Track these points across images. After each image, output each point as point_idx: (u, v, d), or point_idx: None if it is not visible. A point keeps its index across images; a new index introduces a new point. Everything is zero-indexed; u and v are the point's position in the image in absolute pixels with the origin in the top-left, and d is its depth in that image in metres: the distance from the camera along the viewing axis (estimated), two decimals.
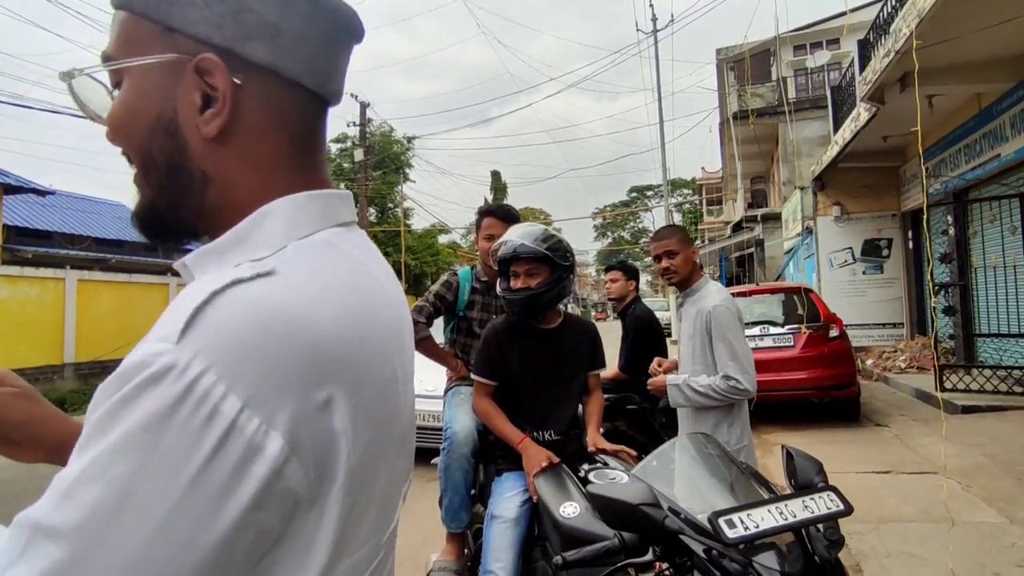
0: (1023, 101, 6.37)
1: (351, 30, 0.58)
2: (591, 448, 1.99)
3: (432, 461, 2.44)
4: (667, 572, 1.17)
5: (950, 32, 5.42)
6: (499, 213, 2.59)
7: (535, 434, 2.01)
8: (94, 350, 10.69)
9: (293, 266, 0.48)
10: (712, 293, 2.37)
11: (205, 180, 0.53)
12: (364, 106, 20.78)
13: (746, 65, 16.47)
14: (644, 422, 3.48)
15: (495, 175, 41.98)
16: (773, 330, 6.40)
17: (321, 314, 0.46)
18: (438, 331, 2.74)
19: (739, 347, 2.24)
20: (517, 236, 2.01)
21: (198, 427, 0.39)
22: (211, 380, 0.39)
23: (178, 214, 0.54)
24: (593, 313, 51.15)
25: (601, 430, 2.12)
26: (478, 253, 2.70)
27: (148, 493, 0.38)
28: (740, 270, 20.37)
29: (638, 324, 3.59)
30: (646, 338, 3.54)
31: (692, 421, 2.41)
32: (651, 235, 3.77)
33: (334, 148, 28.35)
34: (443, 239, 32.45)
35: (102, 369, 10.54)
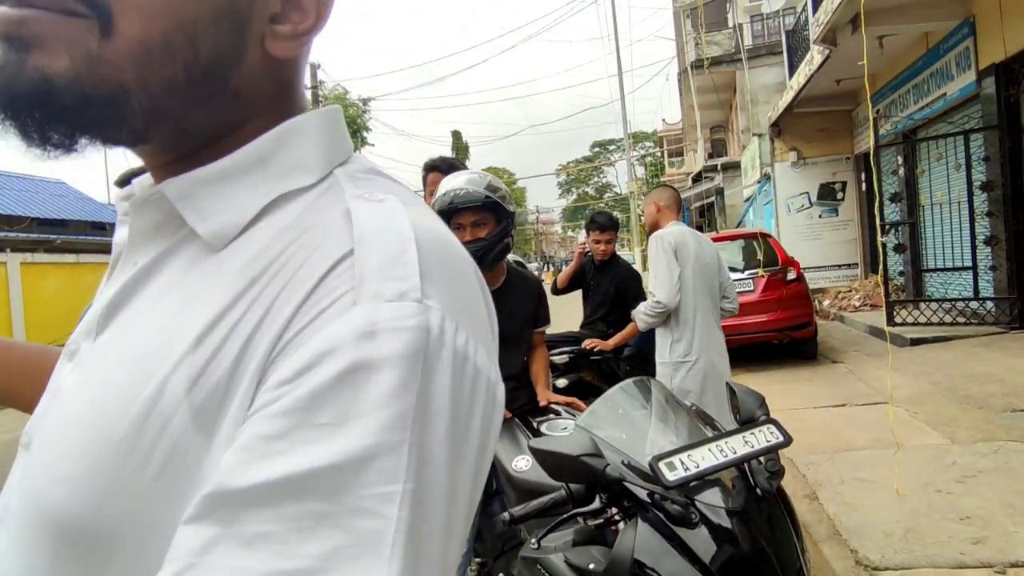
0: (967, 39, 6.46)
1: None
2: (541, 403, 1.98)
3: None
4: (617, 516, 1.18)
5: None
6: (443, 167, 2.45)
7: None
8: (45, 335, 10.27)
9: (394, 196, 0.40)
10: (662, 230, 2.84)
11: (233, 101, 0.40)
12: (315, 68, 19.95)
13: (700, 13, 16.27)
14: (609, 371, 3.53)
15: (456, 135, 41.17)
16: (733, 276, 6.50)
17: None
18: None
19: (659, 268, 2.71)
20: (460, 184, 1.87)
21: (476, 396, 0.35)
22: (464, 337, 0.35)
23: (153, 122, 0.38)
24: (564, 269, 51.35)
25: (557, 384, 2.13)
26: None
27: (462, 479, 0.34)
28: (702, 220, 20.65)
29: (629, 274, 3.65)
30: (635, 285, 3.61)
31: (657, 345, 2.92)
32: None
33: None
34: None
35: None
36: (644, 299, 3.35)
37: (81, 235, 14.90)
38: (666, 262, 2.73)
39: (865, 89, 4.21)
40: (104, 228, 14.86)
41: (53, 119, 0.36)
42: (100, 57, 0.35)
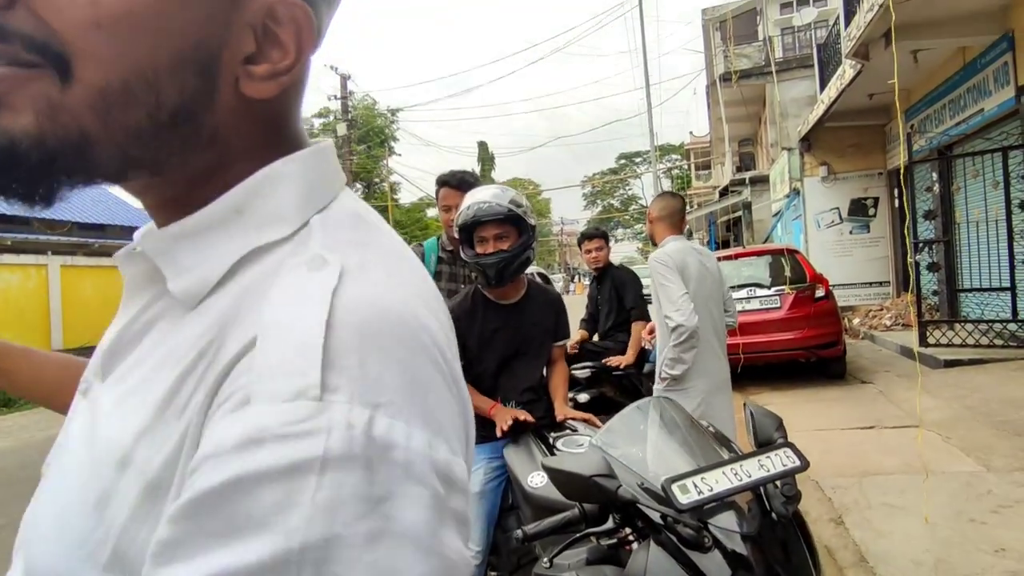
0: (1006, 54, 6.29)
1: None
2: (559, 418, 1.97)
3: None
4: (630, 537, 1.18)
5: None
6: (452, 182, 2.45)
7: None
8: (82, 336, 10.63)
9: (354, 255, 0.37)
10: (658, 250, 2.69)
11: (210, 143, 0.39)
12: (345, 79, 20.34)
13: (729, 25, 16.18)
14: (631, 387, 3.51)
15: (482, 146, 41.48)
16: (760, 292, 6.42)
17: (425, 316, 0.37)
18: None
19: (667, 290, 2.55)
20: (483, 197, 1.91)
21: (408, 484, 0.30)
22: (385, 425, 0.30)
23: (124, 168, 0.37)
24: (586, 282, 51.14)
25: (579, 398, 2.12)
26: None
27: None
28: (729, 234, 20.38)
29: (626, 275, 3.73)
30: (632, 282, 3.68)
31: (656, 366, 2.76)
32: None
33: (316, 123, 27.86)
34: (431, 213, 32.22)
35: (90, 355, 10.50)
36: (644, 298, 3.43)
37: (118, 239, 15.39)
38: (671, 283, 2.57)
39: (896, 104, 4.13)
40: None
41: (26, 179, 0.36)
42: (61, 106, 0.34)
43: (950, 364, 6.04)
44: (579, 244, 4.00)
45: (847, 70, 7.87)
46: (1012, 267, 6.36)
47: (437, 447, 0.32)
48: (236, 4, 0.37)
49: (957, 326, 6.67)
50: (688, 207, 24.07)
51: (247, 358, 0.32)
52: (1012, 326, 6.29)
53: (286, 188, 0.39)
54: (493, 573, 1.96)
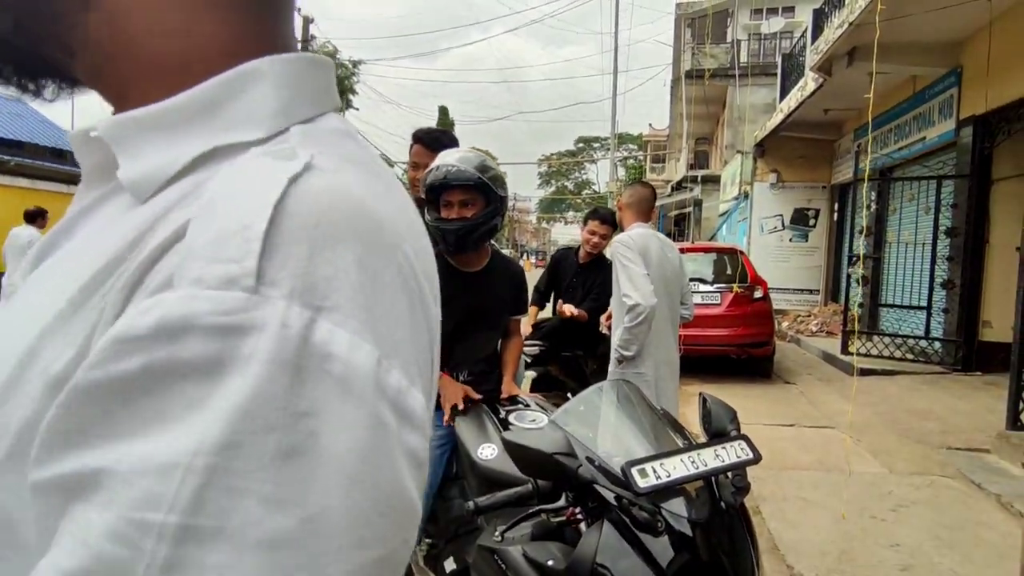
0: (953, 88, 6.66)
1: None
2: (504, 395, 1.96)
3: None
4: (579, 516, 1.18)
5: (904, 8, 5.52)
6: (425, 140, 2.36)
7: (451, 374, 1.95)
8: None
9: (332, 158, 0.32)
10: (623, 234, 2.76)
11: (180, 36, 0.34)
12: (308, 21, 19.30)
13: (706, 22, 16.37)
14: (577, 368, 3.55)
15: (443, 110, 40.62)
16: (702, 288, 6.63)
17: (404, 230, 0.33)
18: None
19: (629, 271, 2.60)
20: (453, 160, 1.84)
21: (346, 406, 0.26)
22: (326, 330, 0.26)
23: (29, 35, 0.34)
24: (533, 260, 51.39)
25: (525, 374, 2.12)
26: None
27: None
28: (677, 228, 20.93)
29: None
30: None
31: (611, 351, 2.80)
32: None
33: None
34: None
35: None
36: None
37: (38, 160, 14.15)
38: (633, 263, 2.62)
39: (868, 121, 4.29)
40: (64, 156, 14.08)
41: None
42: None
43: (864, 372, 6.46)
44: (585, 220, 3.68)
45: (809, 83, 8.13)
46: (931, 288, 6.84)
47: (389, 369, 0.28)
48: None
49: (876, 338, 7.13)
50: None
51: (173, 249, 0.28)
52: (923, 343, 6.79)
53: (265, 88, 0.34)
54: (428, 540, 1.95)
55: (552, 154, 55.45)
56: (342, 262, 0.28)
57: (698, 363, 6.65)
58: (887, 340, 7.02)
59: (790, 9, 17.72)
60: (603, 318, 3.29)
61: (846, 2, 6.41)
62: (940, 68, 6.80)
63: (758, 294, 6.57)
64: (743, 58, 16.44)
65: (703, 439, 1.30)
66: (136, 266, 0.29)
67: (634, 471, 1.03)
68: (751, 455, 1.13)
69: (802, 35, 10.55)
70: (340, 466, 0.26)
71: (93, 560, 0.24)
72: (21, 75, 0.37)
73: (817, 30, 7.92)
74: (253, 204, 0.28)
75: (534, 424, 1.67)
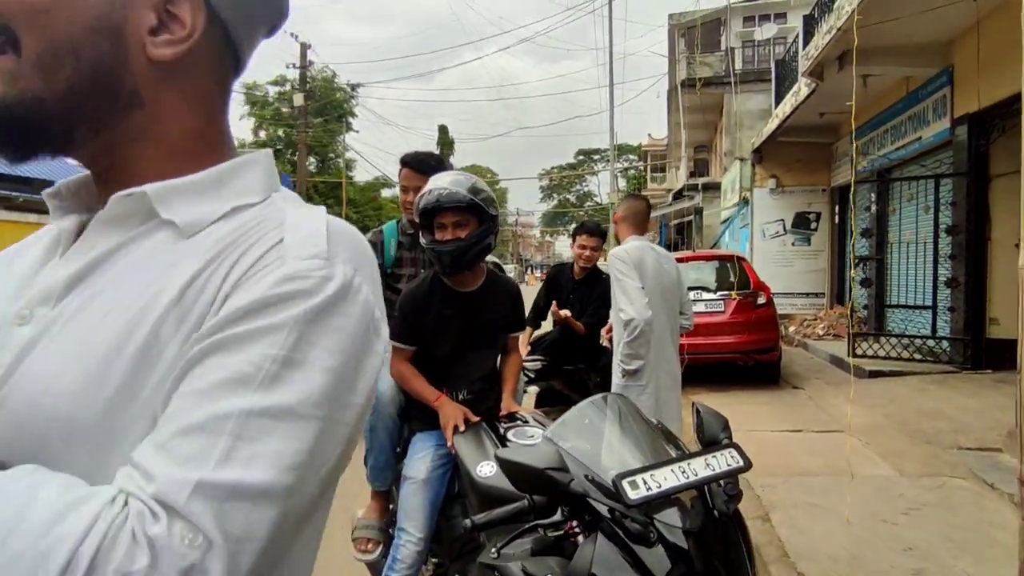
0: (945, 87, 6.70)
1: (281, 11, 0.60)
2: (503, 412, 1.98)
3: None
4: (577, 529, 1.20)
5: (891, 12, 5.58)
6: (412, 163, 2.41)
7: (450, 393, 1.97)
8: None
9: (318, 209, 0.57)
10: (618, 247, 2.80)
11: (134, 101, 0.52)
12: (305, 47, 19.61)
13: (697, 32, 16.53)
14: (580, 382, 3.56)
15: (443, 130, 40.96)
16: (705, 296, 6.63)
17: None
18: None
19: (624, 286, 2.65)
20: (445, 183, 1.88)
21: (364, 315, 0.50)
22: (360, 279, 0.51)
23: (72, 124, 0.50)
24: (538, 274, 51.41)
25: (528, 390, 2.14)
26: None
27: (353, 389, 0.49)
28: (679, 237, 20.94)
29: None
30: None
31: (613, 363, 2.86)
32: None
33: (272, 91, 26.80)
34: (387, 193, 31.60)
35: None
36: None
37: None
38: (628, 277, 2.66)
39: (849, 123, 4.33)
40: None
41: (4, 137, 0.50)
42: (18, 73, 0.48)
43: (874, 375, 6.42)
44: (573, 236, 3.71)
45: (802, 88, 8.19)
46: (935, 287, 6.82)
47: (375, 302, 0.52)
48: None
49: (883, 339, 7.10)
50: None
51: (276, 248, 0.49)
52: (931, 342, 6.75)
53: (257, 170, 0.57)
54: (434, 559, 1.96)
55: (553, 168, 55.71)
56: (357, 251, 0.53)
57: (705, 371, 6.63)
58: (894, 341, 6.98)
59: (782, 16, 17.88)
60: (604, 331, 3.31)
61: (834, 8, 6.48)
62: (932, 68, 6.84)
63: (762, 300, 6.57)
64: (738, 65, 16.56)
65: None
66: (242, 267, 0.49)
67: (624, 483, 1.04)
68: (741, 463, 1.15)
69: (794, 41, 10.64)
70: (354, 338, 0.49)
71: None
72: (37, 151, 0.52)
73: (808, 36, 8.00)
74: (316, 224, 0.52)
75: (532, 440, 1.69)
